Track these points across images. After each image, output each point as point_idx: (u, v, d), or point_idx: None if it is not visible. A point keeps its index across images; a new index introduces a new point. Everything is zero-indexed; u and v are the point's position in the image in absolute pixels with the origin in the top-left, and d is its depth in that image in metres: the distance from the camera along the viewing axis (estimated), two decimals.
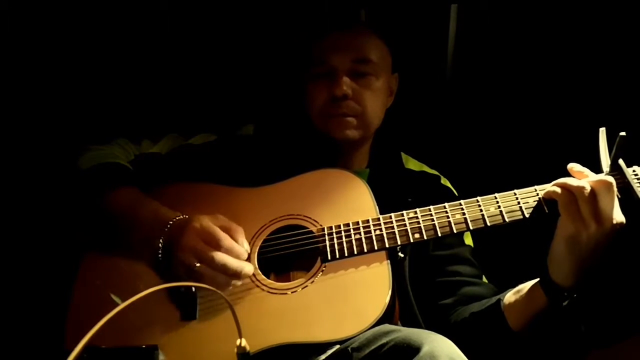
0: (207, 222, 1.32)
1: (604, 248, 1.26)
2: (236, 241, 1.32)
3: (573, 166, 1.32)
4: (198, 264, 1.28)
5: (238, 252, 1.31)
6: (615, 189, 1.25)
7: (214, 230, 1.31)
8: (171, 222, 1.34)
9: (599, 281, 1.33)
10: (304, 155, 1.61)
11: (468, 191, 1.41)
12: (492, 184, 1.38)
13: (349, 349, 1.21)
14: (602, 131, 1.34)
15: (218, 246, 1.29)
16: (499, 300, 1.39)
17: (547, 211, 1.31)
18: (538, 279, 1.34)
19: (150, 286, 0.86)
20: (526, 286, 1.36)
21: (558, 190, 1.28)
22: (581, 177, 1.30)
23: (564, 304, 1.30)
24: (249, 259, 1.33)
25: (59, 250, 1.52)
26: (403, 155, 1.73)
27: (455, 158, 2.03)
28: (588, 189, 1.24)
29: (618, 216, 1.25)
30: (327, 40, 1.59)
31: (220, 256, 1.28)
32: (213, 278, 1.28)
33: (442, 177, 1.71)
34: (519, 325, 1.35)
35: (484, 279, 1.57)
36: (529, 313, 1.34)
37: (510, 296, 1.39)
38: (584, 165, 1.33)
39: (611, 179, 1.26)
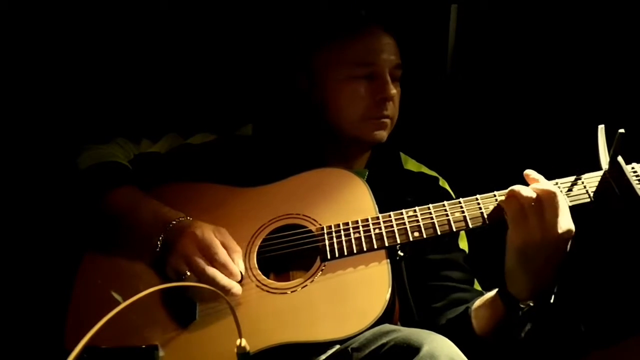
0: (209, 233, 1.31)
1: (556, 260, 1.25)
2: (232, 260, 1.30)
3: (529, 173, 1.31)
4: (188, 273, 1.28)
5: (232, 271, 1.29)
6: (558, 199, 1.23)
7: (213, 242, 1.29)
8: (173, 223, 1.34)
9: (555, 293, 1.31)
10: (303, 155, 1.61)
11: (467, 191, 1.41)
12: (491, 183, 1.38)
13: (349, 349, 1.21)
14: (601, 128, 1.34)
15: (212, 260, 1.28)
16: (467, 308, 1.40)
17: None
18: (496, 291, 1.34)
19: (150, 286, 0.86)
20: (491, 294, 1.36)
21: (507, 200, 1.27)
22: (533, 183, 1.28)
23: (520, 313, 1.29)
24: (241, 281, 1.32)
25: (59, 249, 1.52)
26: (402, 155, 1.73)
27: (455, 158, 2.03)
28: (534, 197, 1.23)
29: (564, 224, 1.23)
30: (369, 42, 1.57)
31: (211, 270, 1.27)
32: (198, 289, 1.27)
33: (440, 178, 1.71)
34: (483, 331, 1.35)
35: (476, 284, 1.57)
36: (492, 320, 1.34)
37: (477, 303, 1.39)
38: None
39: (555, 189, 1.24)
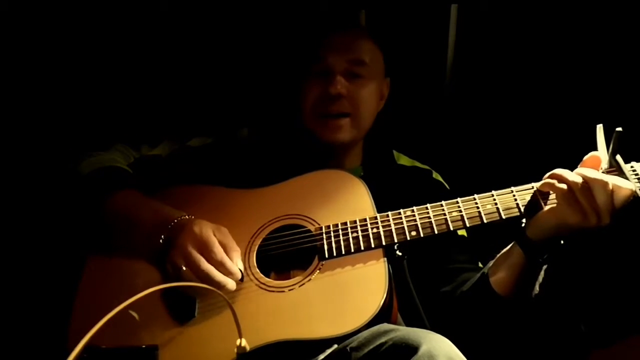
0: (207, 230, 1.32)
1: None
2: (230, 259, 1.31)
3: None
4: (184, 268, 1.29)
5: (229, 269, 1.30)
6: (610, 187, 1.25)
7: (210, 240, 1.31)
8: (175, 221, 1.35)
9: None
10: (297, 156, 1.63)
11: (464, 189, 1.41)
12: (488, 181, 1.39)
13: (348, 348, 1.21)
14: (600, 128, 1.35)
15: (209, 257, 1.29)
16: (483, 273, 1.43)
17: (544, 207, 1.32)
18: (512, 243, 1.39)
19: (151, 286, 0.87)
20: (504, 251, 1.41)
21: (555, 182, 1.29)
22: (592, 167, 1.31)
23: (541, 259, 1.35)
24: (241, 280, 1.32)
25: (63, 253, 1.53)
26: (395, 152, 1.75)
27: (452, 156, 2.04)
28: (580, 180, 1.26)
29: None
30: (325, 40, 1.61)
31: (206, 266, 1.28)
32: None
33: (433, 171, 1.73)
34: (502, 286, 1.40)
35: (480, 265, 1.58)
36: (511, 272, 1.38)
37: (491, 264, 1.43)
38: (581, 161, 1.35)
39: (607, 178, 1.26)
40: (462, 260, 1.57)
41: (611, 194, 1.25)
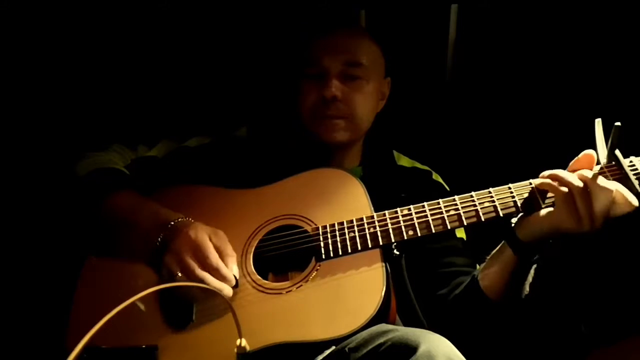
0: (202, 235, 1.31)
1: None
2: (226, 265, 1.30)
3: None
4: (179, 274, 1.28)
5: (224, 275, 1.28)
6: (612, 196, 1.24)
7: (205, 245, 1.29)
8: (172, 223, 1.35)
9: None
10: (296, 155, 1.63)
11: (463, 189, 1.41)
12: (486, 181, 1.39)
13: (346, 349, 1.21)
14: (598, 122, 1.34)
15: (204, 262, 1.28)
16: (474, 276, 1.43)
17: (542, 205, 1.32)
18: (501, 244, 1.39)
19: (150, 287, 0.87)
20: (494, 252, 1.41)
21: (554, 183, 1.28)
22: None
23: (533, 259, 1.35)
24: (237, 285, 1.32)
25: (62, 254, 1.53)
26: (395, 153, 1.75)
27: (452, 156, 2.04)
28: (581, 185, 1.24)
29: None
30: (321, 41, 1.60)
31: (200, 273, 1.27)
32: (189, 290, 1.28)
33: (433, 172, 1.72)
34: (492, 289, 1.39)
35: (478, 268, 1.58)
36: (501, 273, 1.38)
37: (482, 267, 1.43)
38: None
39: (612, 186, 1.25)
40: (459, 263, 1.56)
41: (612, 202, 1.24)
